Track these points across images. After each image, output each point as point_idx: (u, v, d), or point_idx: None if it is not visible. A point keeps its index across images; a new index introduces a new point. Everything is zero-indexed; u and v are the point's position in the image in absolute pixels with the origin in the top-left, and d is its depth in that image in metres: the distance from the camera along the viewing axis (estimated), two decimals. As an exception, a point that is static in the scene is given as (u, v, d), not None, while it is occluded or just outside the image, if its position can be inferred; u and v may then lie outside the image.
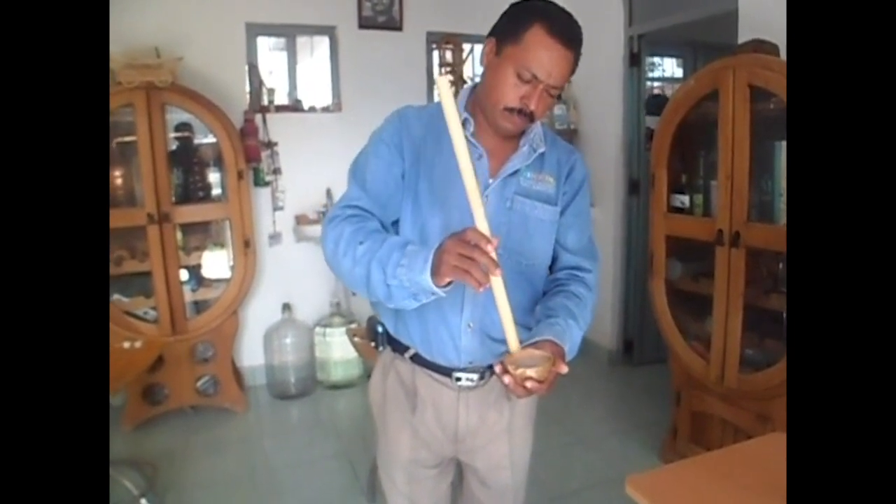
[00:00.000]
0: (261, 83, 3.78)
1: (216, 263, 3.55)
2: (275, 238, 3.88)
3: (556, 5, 1.24)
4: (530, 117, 1.26)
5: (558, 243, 1.41)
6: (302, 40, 4.07)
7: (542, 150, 1.35)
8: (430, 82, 4.24)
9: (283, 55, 4.05)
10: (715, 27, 3.24)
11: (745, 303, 2.47)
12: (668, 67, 5.46)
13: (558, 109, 4.10)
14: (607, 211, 4.00)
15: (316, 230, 3.69)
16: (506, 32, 1.24)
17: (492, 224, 1.29)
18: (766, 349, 2.52)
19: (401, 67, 4.06)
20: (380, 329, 1.52)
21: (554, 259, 1.43)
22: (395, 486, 1.50)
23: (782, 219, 2.38)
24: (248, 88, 3.76)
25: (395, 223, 1.34)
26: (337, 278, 3.47)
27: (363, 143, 1.39)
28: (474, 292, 1.28)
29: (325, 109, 4.00)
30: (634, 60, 3.82)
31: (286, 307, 3.86)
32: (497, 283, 1.04)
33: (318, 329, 3.87)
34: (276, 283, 3.88)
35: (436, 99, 4.08)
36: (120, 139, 3.27)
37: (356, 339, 2.83)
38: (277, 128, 3.78)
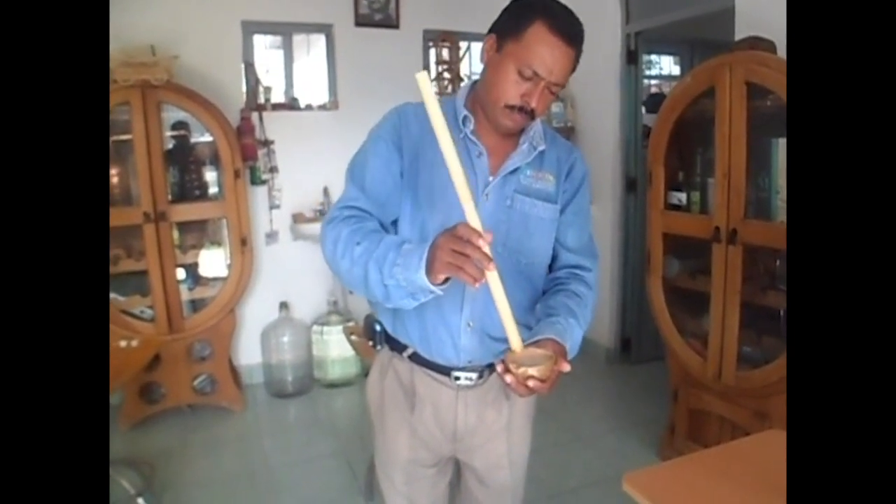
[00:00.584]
0: (257, 81, 3.77)
1: (213, 262, 3.54)
2: (271, 236, 3.87)
3: (557, 2, 1.23)
4: (531, 115, 1.25)
5: (558, 242, 1.40)
6: (298, 38, 4.06)
7: (542, 147, 1.35)
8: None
9: (280, 53, 4.04)
10: (712, 24, 3.24)
11: (742, 300, 2.47)
12: (666, 65, 5.47)
13: (556, 107, 4.10)
14: (605, 209, 4.00)
15: (313, 228, 3.69)
16: (507, 29, 1.23)
17: (492, 222, 1.29)
18: (763, 346, 2.52)
19: (397, 65, 4.05)
20: (377, 328, 1.51)
21: (554, 257, 1.42)
22: (394, 485, 1.50)
23: (779, 216, 2.38)
24: (244, 87, 3.75)
25: (395, 222, 1.33)
26: (335, 278, 3.48)
27: (360, 141, 1.38)
28: (474, 291, 1.28)
29: (322, 107, 3.99)
30: (631, 58, 3.82)
31: (283, 306, 3.86)
32: (493, 278, 1.03)
33: (315, 327, 3.86)
34: (273, 281, 3.88)
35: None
36: (116, 137, 3.25)
37: (353, 337, 2.83)
38: (274, 126, 3.77)
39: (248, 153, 3.55)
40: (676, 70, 5.32)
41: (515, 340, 1.11)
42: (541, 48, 1.18)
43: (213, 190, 3.56)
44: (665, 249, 2.84)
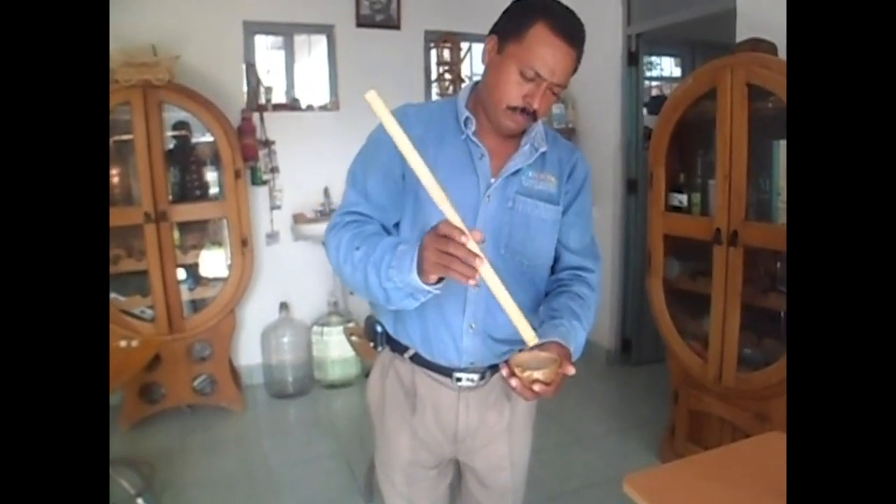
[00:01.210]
0: (258, 82, 3.77)
1: (213, 262, 3.55)
2: (272, 237, 3.87)
3: (558, 3, 1.23)
4: (533, 116, 1.25)
5: (560, 243, 1.40)
6: (300, 39, 4.07)
7: (543, 149, 1.34)
8: (429, 81, 4.24)
9: (281, 53, 4.04)
10: (713, 26, 3.24)
11: (742, 302, 2.47)
12: (667, 66, 5.47)
13: (557, 108, 4.10)
14: (605, 210, 4.00)
15: (313, 229, 3.69)
16: (508, 30, 1.23)
17: (494, 224, 1.29)
18: (763, 348, 2.52)
19: (399, 66, 4.06)
20: (379, 329, 1.51)
21: (556, 259, 1.42)
22: (394, 487, 1.50)
23: (780, 218, 2.38)
24: (245, 87, 3.75)
25: (398, 224, 1.33)
26: (336, 278, 3.47)
27: (361, 141, 1.38)
28: (476, 292, 1.28)
29: (323, 108, 4.00)
30: (633, 59, 3.81)
31: (283, 306, 3.86)
32: (486, 272, 1.00)
33: (315, 328, 3.86)
34: (274, 282, 3.88)
35: (434, 98, 4.09)
36: (117, 137, 3.26)
37: (353, 338, 2.83)
38: (275, 126, 3.78)
39: (249, 153, 3.55)
40: (677, 71, 5.32)
41: (528, 333, 1.08)
42: (542, 49, 1.18)
43: (213, 190, 3.56)
44: (666, 251, 2.84)
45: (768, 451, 1.39)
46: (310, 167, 3.86)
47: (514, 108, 1.23)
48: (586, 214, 1.44)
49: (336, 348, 3.78)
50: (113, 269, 3.19)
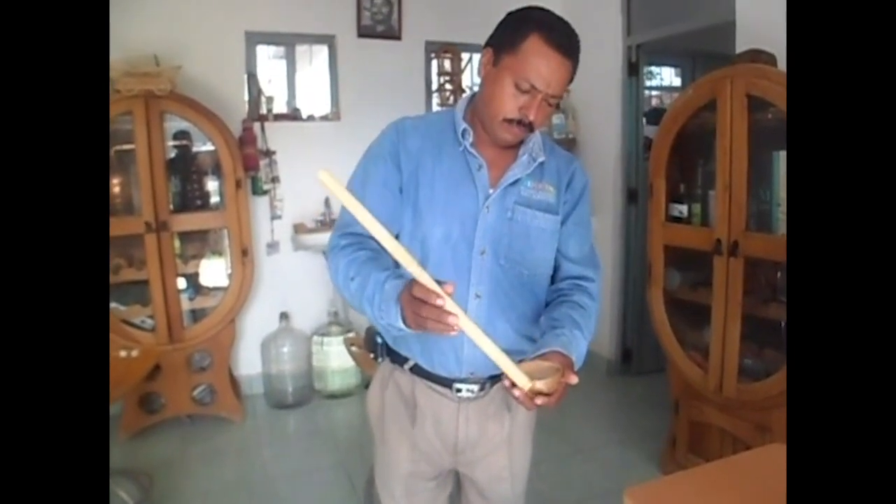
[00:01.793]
0: (259, 91, 3.78)
1: (214, 272, 3.54)
2: (273, 247, 3.87)
3: (553, 14, 1.23)
4: (529, 127, 1.25)
5: (560, 253, 1.40)
6: (301, 49, 4.08)
7: (541, 159, 1.34)
8: (429, 91, 4.25)
9: (283, 63, 4.05)
10: (713, 37, 3.25)
11: (743, 312, 2.46)
12: (667, 77, 5.48)
13: (557, 119, 4.11)
14: (605, 220, 4.00)
15: (314, 239, 3.69)
16: (503, 42, 1.23)
17: (493, 234, 1.29)
18: (764, 359, 2.51)
19: (399, 76, 4.07)
20: (379, 340, 1.51)
21: (556, 269, 1.42)
22: (394, 498, 1.49)
23: (780, 228, 2.38)
24: (246, 97, 3.76)
25: (398, 236, 1.33)
26: (336, 289, 3.47)
27: (362, 152, 1.39)
28: (477, 303, 1.28)
29: (324, 118, 4.00)
30: (633, 70, 3.83)
31: (284, 316, 3.85)
32: (466, 325, 1.00)
33: (315, 338, 3.85)
34: (274, 291, 3.87)
35: (434, 109, 4.10)
36: (118, 147, 3.26)
37: (353, 348, 2.82)
38: (276, 136, 3.78)
39: (250, 163, 3.55)
40: (678, 82, 5.33)
41: (519, 379, 1.06)
42: (537, 61, 1.19)
43: (214, 200, 3.56)
44: (666, 261, 2.84)
45: (769, 463, 1.38)
46: (311, 177, 3.83)
47: (510, 121, 1.24)
48: (585, 224, 1.44)
49: (336, 358, 3.76)
50: (113, 279, 3.19)
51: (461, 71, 4.26)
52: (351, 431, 3.49)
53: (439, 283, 0.99)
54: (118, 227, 3.11)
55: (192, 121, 3.29)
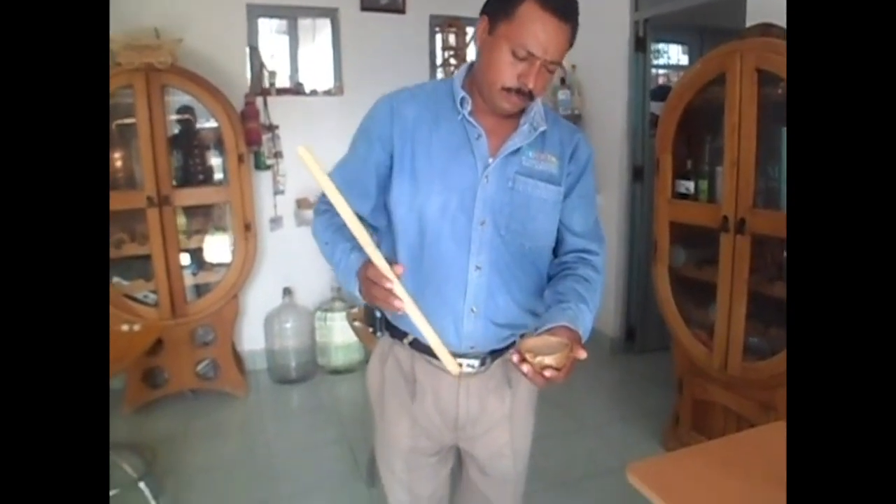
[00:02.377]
0: (262, 66, 3.75)
1: (217, 247, 3.53)
2: (276, 222, 3.86)
3: None
4: (529, 95, 1.22)
5: (564, 226, 1.37)
6: (304, 22, 4.03)
7: (542, 128, 1.31)
8: (433, 66, 4.20)
9: (285, 37, 4.01)
10: (722, 11, 3.18)
11: (749, 290, 2.44)
12: (674, 55, 5.42)
13: (562, 94, 4.06)
14: (611, 197, 3.97)
15: (317, 214, 3.67)
16: (498, 9, 1.20)
17: (493, 204, 1.27)
18: (770, 337, 2.50)
19: (403, 50, 4.03)
20: (378, 314, 1.49)
21: (560, 242, 1.39)
22: (394, 474, 1.48)
23: (788, 205, 2.34)
24: (249, 71, 3.73)
25: (384, 208, 1.34)
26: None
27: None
28: (477, 276, 1.27)
29: (327, 93, 3.97)
30: (640, 45, 3.77)
31: (287, 291, 3.85)
32: (409, 308, 1.12)
33: (318, 313, 3.86)
34: (277, 267, 3.87)
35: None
36: (120, 121, 3.24)
37: (356, 323, 2.81)
38: (279, 111, 3.75)
39: (253, 138, 3.53)
40: (685, 60, 5.27)
41: (451, 365, 1.19)
42: (533, 26, 1.15)
43: (217, 175, 3.55)
44: (672, 238, 2.82)
45: (773, 441, 1.37)
46: (313, 152, 3.82)
47: (509, 89, 1.21)
48: (590, 196, 1.41)
49: (339, 334, 3.78)
50: (116, 254, 3.18)
51: (466, 45, 4.21)
52: (354, 407, 3.50)
53: (391, 263, 1.10)
54: (120, 201, 3.10)
55: (193, 94, 3.26)
